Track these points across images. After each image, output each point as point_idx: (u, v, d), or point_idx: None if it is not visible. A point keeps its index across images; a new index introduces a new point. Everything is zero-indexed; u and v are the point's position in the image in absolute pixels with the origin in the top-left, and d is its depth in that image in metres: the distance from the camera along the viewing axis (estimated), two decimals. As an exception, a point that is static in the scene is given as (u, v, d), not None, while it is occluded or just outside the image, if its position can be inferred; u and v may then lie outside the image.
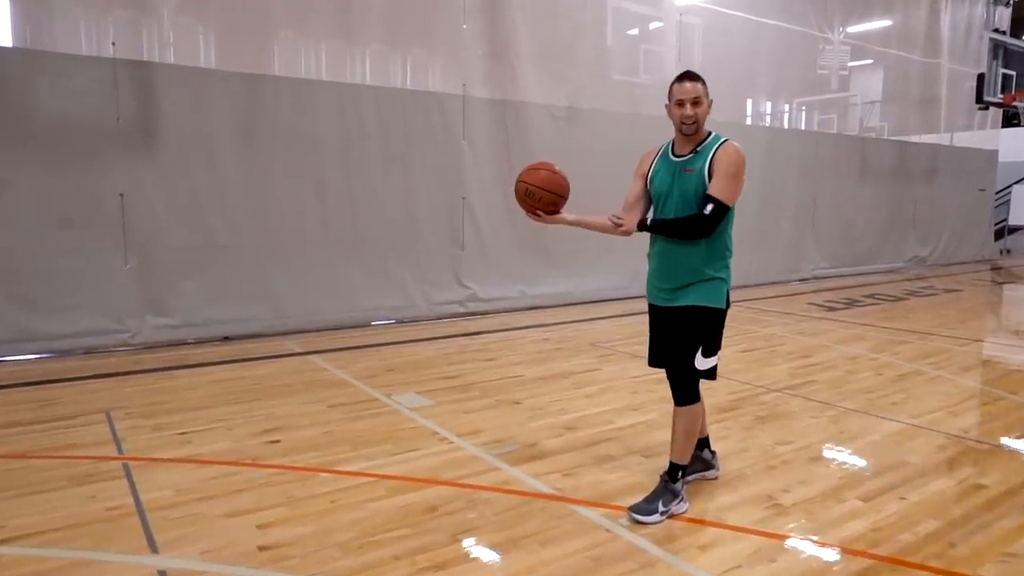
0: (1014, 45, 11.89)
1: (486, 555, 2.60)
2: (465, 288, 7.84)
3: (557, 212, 3.03)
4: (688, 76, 2.88)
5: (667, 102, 2.92)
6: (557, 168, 3.06)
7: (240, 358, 5.70)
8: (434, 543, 2.67)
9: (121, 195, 5.79)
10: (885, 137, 12.73)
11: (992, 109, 12.92)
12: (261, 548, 2.63)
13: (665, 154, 3.00)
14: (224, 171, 6.27)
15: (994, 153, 14.69)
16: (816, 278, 11.30)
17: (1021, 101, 12.07)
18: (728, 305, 2.95)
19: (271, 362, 5.62)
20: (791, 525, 2.85)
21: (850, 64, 11.60)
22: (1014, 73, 11.79)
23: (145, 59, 5.86)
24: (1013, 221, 16.83)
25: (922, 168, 12.93)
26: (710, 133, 2.92)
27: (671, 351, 2.97)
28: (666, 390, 4.87)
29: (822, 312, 8.29)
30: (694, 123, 2.85)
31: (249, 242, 6.43)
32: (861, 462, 3.56)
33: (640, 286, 9.90)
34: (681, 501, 2.93)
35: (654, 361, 3.14)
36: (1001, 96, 11.66)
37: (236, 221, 6.35)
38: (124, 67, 5.71)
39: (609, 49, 8.97)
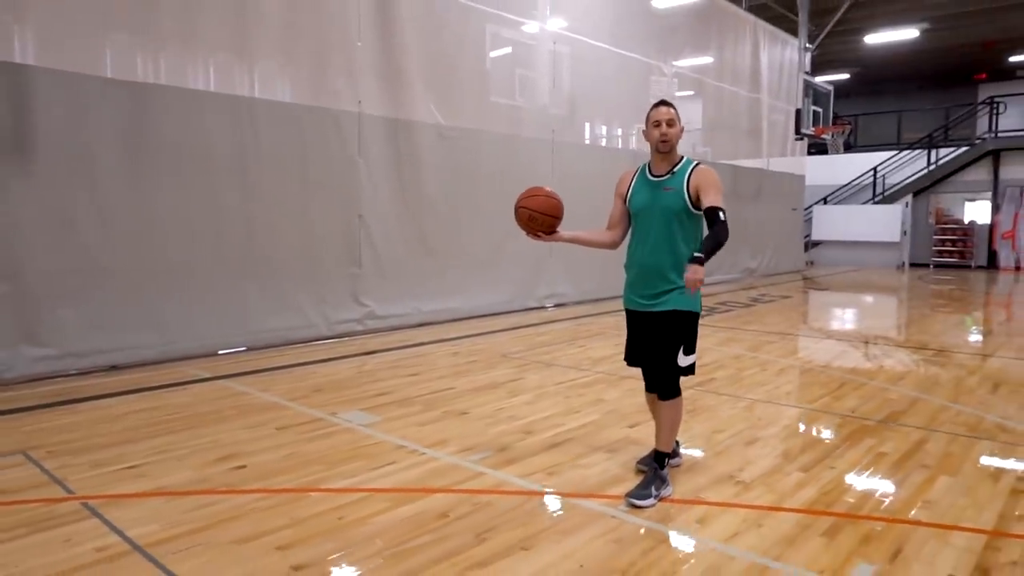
0: (818, 85, 13.94)
1: (518, 550, 2.74)
2: (363, 306, 7.76)
3: (555, 232, 3.31)
4: (663, 102, 3.27)
5: (643, 127, 3.28)
6: (549, 190, 3.32)
7: (141, 387, 5.27)
8: (463, 545, 2.77)
9: (-13, 212, 5.17)
10: (710, 161, 14.29)
11: (802, 139, 14.99)
12: (295, 568, 2.57)
13: (643, 174, 3.35)
14: (106, 186, 5.77)
15: (802, 178, 16.99)
16: (671, 289, 12.37)
17: (827, 134, 14.17)
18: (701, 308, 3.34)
19: (182, 389, 5.26)
20: (761, 496, 3.28)
21: (680, 94, 12.92)
22: (820, 109, 13.84)
23: (15, 60, 5.28)
24: (815, 236, 19.52)
25: (750, 190, 14.66)
26: (682, 157, 3.31)
27: (655, 352, 3.29)
28: (597, 393, 5.31)
29: (691, 318, 9.14)
30: (668, 142, 3.22)
31: (135, 264, 5.95)
32: (786, 442, 4.12)
33: (523, 301, 10.61)
34: (667, 485, 3.26)
35: (632, 361, 3.45)
36: (813, 129, 13.61)
37: (120, 241, 5.86)
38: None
39: (488, 72, 9.34)
